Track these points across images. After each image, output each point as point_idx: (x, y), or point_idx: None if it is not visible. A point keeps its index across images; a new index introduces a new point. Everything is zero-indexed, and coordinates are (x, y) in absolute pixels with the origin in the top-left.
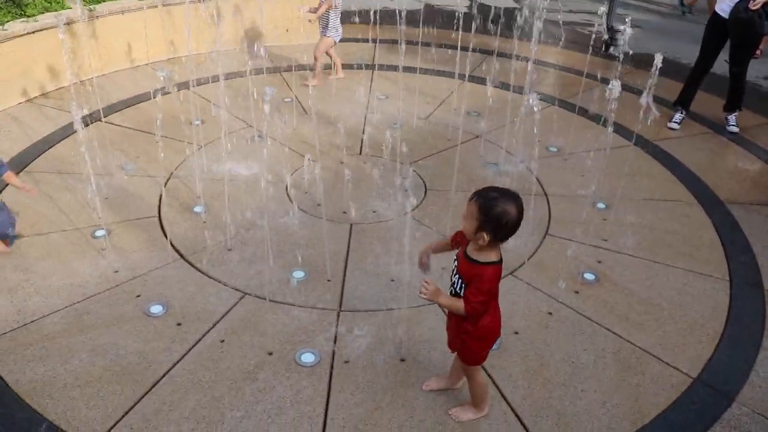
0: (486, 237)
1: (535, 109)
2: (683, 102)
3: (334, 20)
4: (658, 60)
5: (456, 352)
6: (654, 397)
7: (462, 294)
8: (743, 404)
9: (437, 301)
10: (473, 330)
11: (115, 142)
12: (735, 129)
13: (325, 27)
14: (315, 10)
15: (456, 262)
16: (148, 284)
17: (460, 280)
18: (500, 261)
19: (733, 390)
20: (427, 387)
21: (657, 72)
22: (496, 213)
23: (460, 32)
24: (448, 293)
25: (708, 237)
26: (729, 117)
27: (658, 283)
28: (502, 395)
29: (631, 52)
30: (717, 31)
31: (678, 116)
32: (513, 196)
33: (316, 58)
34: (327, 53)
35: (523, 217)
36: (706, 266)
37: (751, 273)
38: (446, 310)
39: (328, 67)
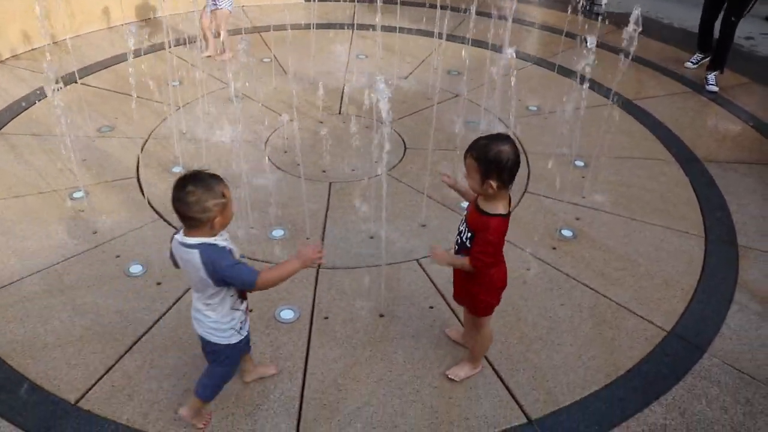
0: (493, 184)
1: (512, 69)
2: (701, 47)
3: None
4: (635, 17)
5: (464, 306)
6: (629, 350)
7: (468, 246)
8: (714, 355)
9: (446, 263)
10: (482, 283)
11: (92, 104)
12: (714, 88)
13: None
14: None
15: (466, 213)
16: (128, 245)
17: (467, 230)
18: (508, 214)
19: (705, 342)
20: (449, 333)
21: (636, 30)
22: (493, 156)
23: None
24: (455, 242)
25: (684, 194)
26: (709, 76)
27: (634, 240)
28: None
29: (611, 12)
30: None
31: (696, 57)
32: (502, 137)
33: (218, 35)
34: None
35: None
36: (682, 223)
37: (725, 230)
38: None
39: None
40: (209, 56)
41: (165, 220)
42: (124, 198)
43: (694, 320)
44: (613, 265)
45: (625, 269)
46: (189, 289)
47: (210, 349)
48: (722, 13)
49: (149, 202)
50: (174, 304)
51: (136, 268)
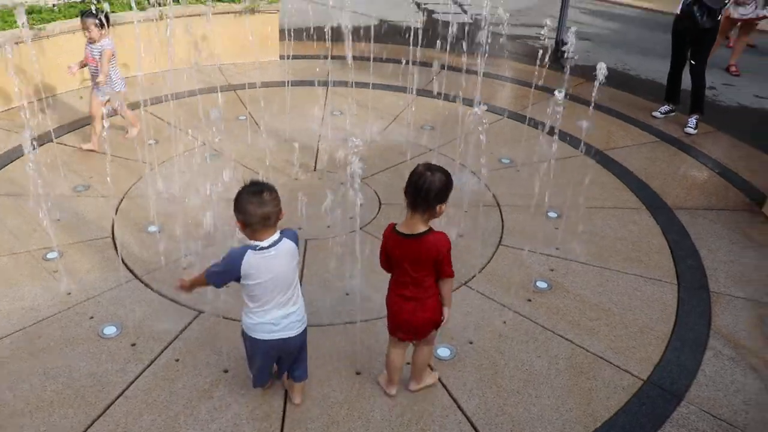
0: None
1: (484, 121)
2: (669, 97)
3: (115, 72)
4: (601, 70)
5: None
6: (606, 401)
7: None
8: (691, 403)
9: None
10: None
11: (67, 163)
12: (691, 131)
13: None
14: (84, 65)
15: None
16: (102, 306)
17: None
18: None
19: (682, 389)
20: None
21: (597, 81)
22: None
23: (413, 47)
24: None
25: (656, 242)
26: (690, 119)
27: (608, 289)
28: (458, 405)
29: (579, 64)
30: (676, 27)
31: (664, 108)
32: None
33: (93, 117)
34: (121, 114)
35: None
36: (655, 271)
37: (697, 276)
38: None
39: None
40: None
41: (140, 280)
42: (99, 258)
43: (669, 368)
44: (588, 315)
45: (600, 319)
46: (164, 350)
47: (305, 339)
48: (688, 62)
49: (124, 262)
50: (149, 365)
51: (110, 330)
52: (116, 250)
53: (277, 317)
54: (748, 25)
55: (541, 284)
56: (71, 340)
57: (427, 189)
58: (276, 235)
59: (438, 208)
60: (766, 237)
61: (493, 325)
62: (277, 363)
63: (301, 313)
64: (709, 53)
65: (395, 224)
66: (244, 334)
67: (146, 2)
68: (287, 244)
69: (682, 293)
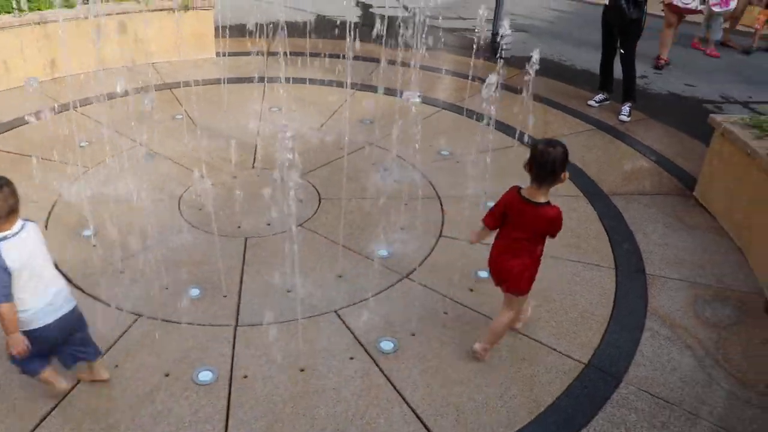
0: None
1: (413, 109)
2: (603, 86)
3: None
4: (535, 57)
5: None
6: (549, 386)
7: None
8: (630, 383)
9: None
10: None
11: None
12: (625, 118)
13: None
14: None
15: None
16: None
17: None
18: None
19: (621, 371)
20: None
21: (533, 71)
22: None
23: (352, 42)
24: None
25: (594, 228)
26: (623, 107)
27: (549, 276)
28: (402, 397)
29: (516, 55)
30: (604, 19)
31: (598, 96)
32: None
33: None
34: None
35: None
36: (593, 256)
37: (633, 259)
38: None
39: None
40: None
41: (76, 286)
42: None
43: (609, 351)
44: (529, 303)
45: (541, 306)
46: (105, 353)
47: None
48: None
49: (58, 268)
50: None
51: None
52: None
53: (52, 296)
54: (689, 14)
55: (483, 273)
56: (2, 353)
57: (552, 162)
58: (19, 221)
59: (563, 176)
60: (698, 220)
61: (435, 316)
62: (62, 350)
63: (65, 287)
64: (637, 42)
65: (520, 187)
66: (27, 334)
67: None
68: (29, 223)
69: (620, 277)
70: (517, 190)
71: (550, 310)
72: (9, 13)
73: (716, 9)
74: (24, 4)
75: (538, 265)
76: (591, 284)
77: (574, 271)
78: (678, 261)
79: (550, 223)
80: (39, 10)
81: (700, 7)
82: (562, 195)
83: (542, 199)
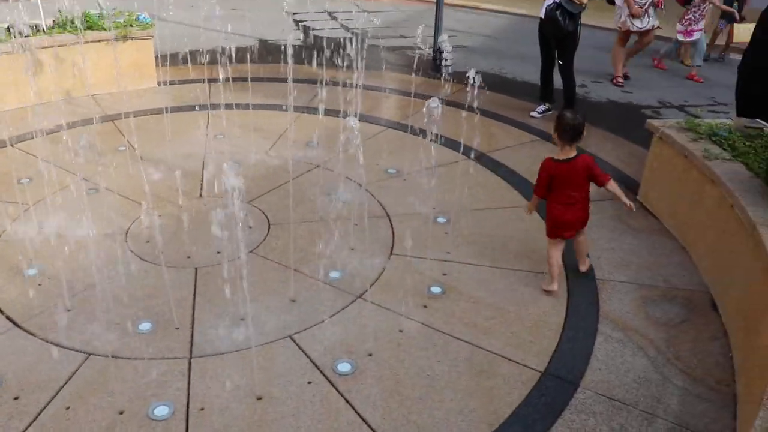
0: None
1: (355, 128)
2: (544, 97)
3: None
4: (472, 75)
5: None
6: (507, 397)
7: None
8: (587, 388)
9: None
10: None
11: None
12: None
13: None
14: None
15: None
16: None
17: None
18: (560, 160)
19: (577, 376)
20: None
21: (475, 85)
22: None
23: (293, 65)
24: None
25: (543, 237)
26: None
27: (501, 288)
28: (362, 419)
29: (457, 71)
30: (541, 31)
31: (540, 107)
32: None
33: None
34: None
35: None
36: (544, 265)
37: None
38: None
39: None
40: None
41: (21, 328)
42: None
43: (565, 357)
44: (483, 315)
45: (496, 317)
46: (52, 399)
47: None
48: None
49: (1, 310)
50: (36, 418)
51: None
52: None
53: None
54: (649, 34)
55: (435, 289)
56: None
57: (580, 125)
58: None
59: (584, 133)
60: (642, 222)
61: (390, 335)
62: None
63: None
64: (574, 53)
65: (552, 157)
66: None
67: (8, 33)
68: None
69: (571, 284)
70: (551, 159)
71: (504, 321)
72: None
73: (681, 38)
74: None
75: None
76: (543, 293)
77: (527, 281)
78: (625, 264)
79: (589, 167)
80: None
81: (646, 27)
82: (509, 207)
83: (574, 154)
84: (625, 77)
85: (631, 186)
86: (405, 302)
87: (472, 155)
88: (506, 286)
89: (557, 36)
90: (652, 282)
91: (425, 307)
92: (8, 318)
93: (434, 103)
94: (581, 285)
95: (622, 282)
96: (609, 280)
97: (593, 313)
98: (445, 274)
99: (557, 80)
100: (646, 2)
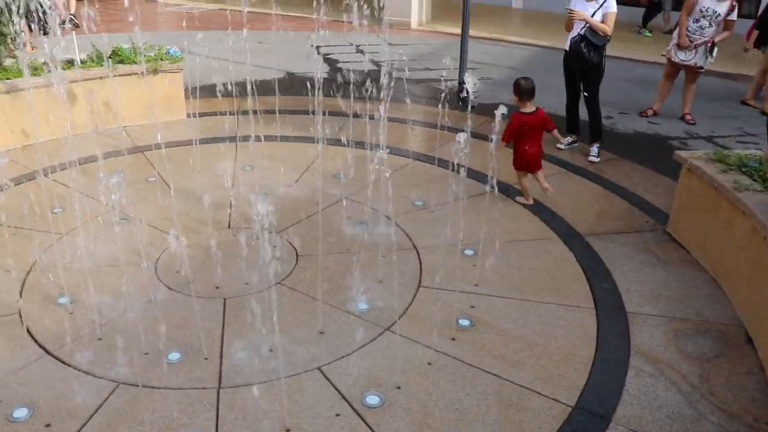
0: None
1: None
2: (570, 129)
3: None
4: (501, 110)
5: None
6: (537, 431)
7: None
8: (619, 423)
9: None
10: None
11: None
12: (594, 159)
13: None
14: None
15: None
16: (11, 387)
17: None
18: (524, 113)
19: (609, 411)
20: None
21: (501, 119)
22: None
23: (320, 97)
24: None
25: (572, 270)
26: (592, 148)
27: (530, 321)
28: None
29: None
30: (566, 63)
31: (566, 139)
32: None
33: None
34: None
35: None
36: (573, 297)
37: (613, 298)
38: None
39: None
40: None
41: (52, 356)
42: (5, 336)
43: (595, 391)
44: (512, 348)
45: (525, 350)
46: (82, 427)
47: None
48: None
49: (33, 338)
50: None
51: (20, 412)
52: (24, 326)
53: None
54: (694, 72)
55: (464, 322)
56: None
57: (533, 86)
58: None
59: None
60: (671, 254)
61: (419, 367)
62: None
63: None
64: (599, 85)
65: (519, 111)
66: None
67: (43, 68)
68: None
69: (601, 316)
70: (519, 113)
71: (533, 354)
72: None
73: None
74: None
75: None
76: (572, 326)
77: (556, 314)
78: (655, 296)
79: (545, 118)
80: (8, 79)
81: (699, 64)
82: (537, 239)
83: (533, 108)
84: (654, 114)
85: (660, 218)
86: (433, 334)
87: (499, 187)
88: (535, 319)
89: (582, 68)
90: (684, 315)
91: (453, 339)
92: (40, 346)
93: (462, 136)
94: (611, 318)
95: (652, 315)
96: (639, 313)
97: (624, 346)
98: (473, 307)
99: (583, 112)
100: (700, 40)
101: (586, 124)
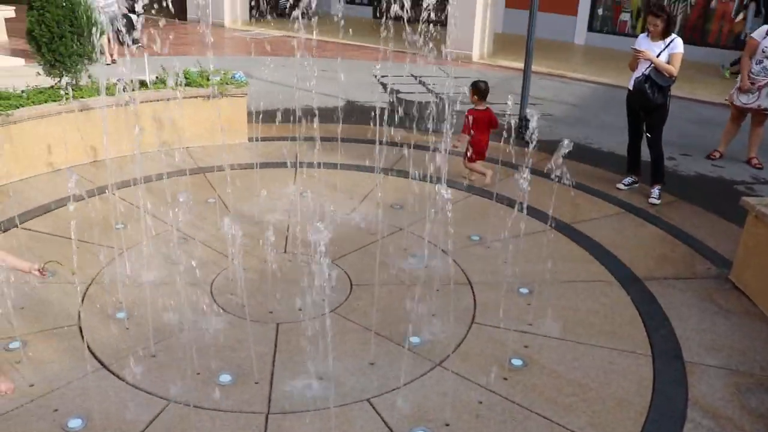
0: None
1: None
2: (631, 169)
3: None
4: (565, 145)
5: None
6: None
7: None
8: None
9: None
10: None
11: (32, 249)
12: (655, 201)
13: None
14: None
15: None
16: (67, 397)
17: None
18: (477, 110)
19: None
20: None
21: (562, 156)
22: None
23: (380, 127)
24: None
25: (628, 314)
26: (653, 190)
27: (584, 364)
28: None
29: (542, 139)
30: (629, 102)
31: (627, 179)
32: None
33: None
34: None
35: None
36: (629, 343)
37: (670, 345)
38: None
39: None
40: None
41: (108, 369)
42: (65, 347)
43: None
44: (565, 392)
45: (577, 394)
46: None
47: None
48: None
49: (91, 351)
50: None
51: (75, 423)
52: (83, 339)
53: None
54: (759, 114)
55: (516, 362)
56: None
57: (488, 88)
58: None
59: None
60: (734, 303)
61: (469, 405)
62: None
63: None
64: (663, 126)
65: (472, 108)
66: None
67: (114, 88)
68: None
69: (657, 364)
70: (472, 109)
71: (586, 399)
72: (55, 101)
73: None
74: (71, 93)
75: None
76: (627, 372)
77: (610, 359)
78: (717, 347)
79: (492, 115)
80: (82, 98)
81: (763, 105)
82: (594, 281)
83: (484, 107)
84: (720, 156)
85: (723, 265)
86: (485, 373)
87: (556, 225)
88: (589, 363)
89: (646, 108)
90: (747, 368)
91: (505, 379)
92: (97, 358)
93: (522, 173)
94: (668, 366)
95: (712, 366)
96: (698, 363)
97: (681, 397)
98: (526, 347)
99: (645, 152)
100: (764, 81)
101: (648, 165)
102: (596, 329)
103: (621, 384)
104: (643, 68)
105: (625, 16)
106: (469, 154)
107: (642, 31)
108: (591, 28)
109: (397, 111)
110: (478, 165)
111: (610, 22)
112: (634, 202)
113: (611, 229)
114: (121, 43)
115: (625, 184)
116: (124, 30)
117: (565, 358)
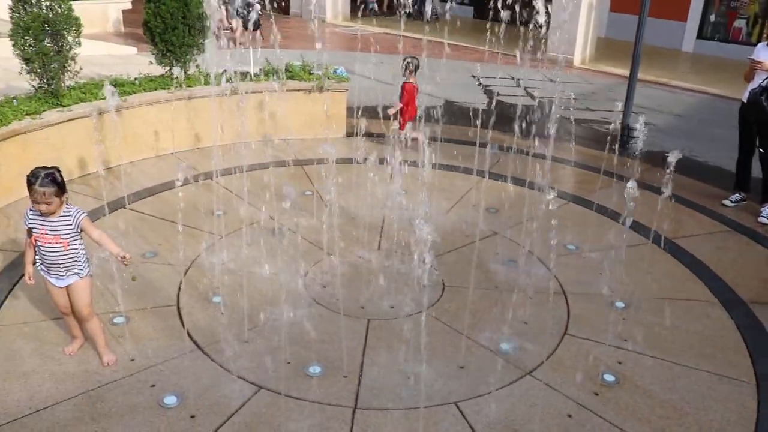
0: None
1: (550, 206)
2: (739, 185)
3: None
4: (673, 157)
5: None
6: None
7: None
8: None
9: None
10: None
11: (138, 229)
12: (765, 220)
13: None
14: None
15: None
16: (164, 374)
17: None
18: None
19: None
20: None
21: (667, 168)
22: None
23: (479, 129)
24: None
25: (731, 338)
26: (763, 208)
27: (680, 386)
28: None
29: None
30: (742, 115)
31: (734, 196)
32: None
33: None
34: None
35: None
36: (731, 369)
37: None
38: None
39: None
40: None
41: (202, 351)
42: (164, 326)
43: None
44: (658, 413)
45: (671, 417)
46: (222, 424)
47: None
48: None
49: (188, 332)
50: None
51: (170, 399)
52: (180, 319)
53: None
54: None
55: (609, 377)
56: (132, 407)
57: (418, 63)
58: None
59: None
60: None
61: (558, 418)
62: None
63: None
64: None
65: (407, 81)
66: None
67: (220, 78)
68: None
69: (763, 394)
70: (407, 82)
71: (681, 423)
72: (165, 89)
73: None
74: (182, 82)
75: None
76: (728, 399)
77: (709, 384)
78: None
79: (416, 87)
80: (190, 87)
81: None
82: (694, 300)
83: (414, 80)
84: None
85: None
86: (576, 386)
87: (657, 240)
88: (686, 385)
89: (761, 121)
90: None
91: (596, 394)
92: (193, 340)
93: (630, 184)
94: None
95: None
96: None
97: None
98: (620, 363)
99: (756, 168)
100: None
101: (758, 182)
102: (695, 351)
103: (720, 411)
104: (759, 79)
105: (740, 23)
106: (399, 120)
107: (759, 40)
108: (701, 34)
109: (497, 113)
110: (408, 128)
111: (723, 29)
112: (742, 221)
113: (715, 247)
114: (246, 28)
115: (732, 201)
116: (247, 16)
117: (661, 378)
